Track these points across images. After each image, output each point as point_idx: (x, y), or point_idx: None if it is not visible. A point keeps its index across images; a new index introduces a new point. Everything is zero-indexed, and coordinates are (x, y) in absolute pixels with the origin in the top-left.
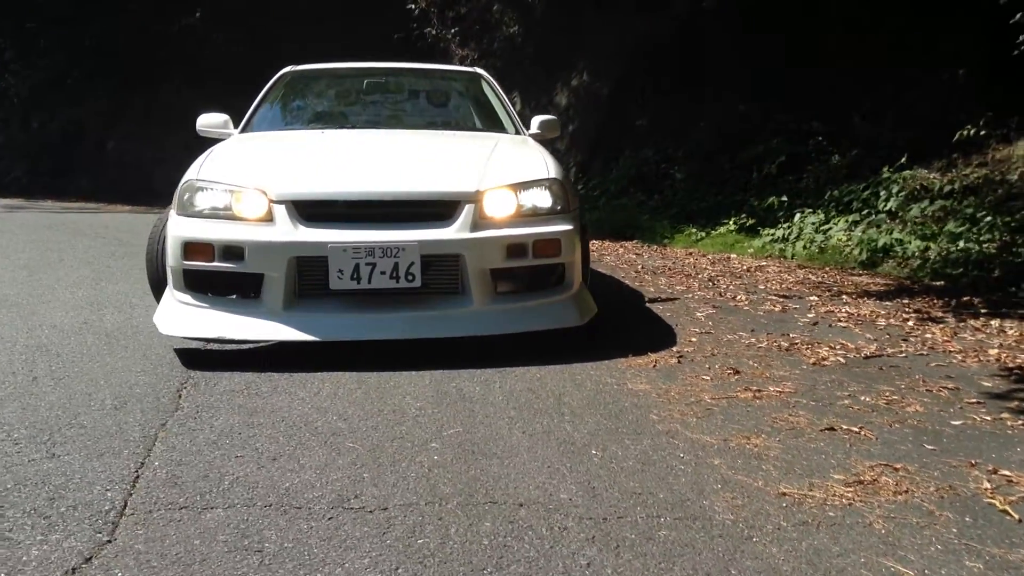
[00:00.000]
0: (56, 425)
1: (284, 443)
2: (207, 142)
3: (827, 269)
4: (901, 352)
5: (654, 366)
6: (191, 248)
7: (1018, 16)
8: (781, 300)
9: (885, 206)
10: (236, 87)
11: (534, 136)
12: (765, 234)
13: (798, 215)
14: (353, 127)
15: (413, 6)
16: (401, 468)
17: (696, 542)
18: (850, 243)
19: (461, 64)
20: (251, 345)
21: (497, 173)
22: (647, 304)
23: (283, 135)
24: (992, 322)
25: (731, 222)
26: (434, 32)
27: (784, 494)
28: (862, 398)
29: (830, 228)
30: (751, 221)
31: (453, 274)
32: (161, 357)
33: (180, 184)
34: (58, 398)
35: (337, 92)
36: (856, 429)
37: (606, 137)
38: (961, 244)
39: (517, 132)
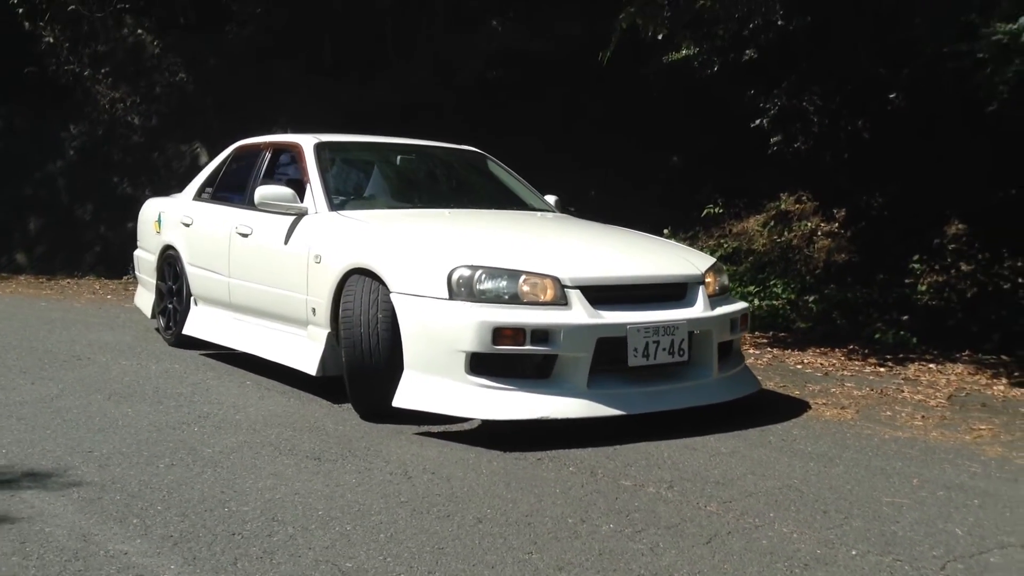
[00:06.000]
0: None
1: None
2: None
3: None
4: (962, 391)
5: (850, 418)
6: (501, 333)
7: (758, 121)
8: None
9: None
10: None
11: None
12: None
13: None
14: (446, 207)
15: (45, 39)
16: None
17: None
18: None
19: (113, 107)
20: (471, 425)
21: (694, 257)
22: None
23: (412, 214)
24: (930, 363)
25: None
26: (75, 69)
27: None
28: None
29: None
30: None
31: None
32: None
33: (448, 270)
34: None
35: (380, 167)
36: None
37: None
38: (756, 302)
39: (550, 210)
